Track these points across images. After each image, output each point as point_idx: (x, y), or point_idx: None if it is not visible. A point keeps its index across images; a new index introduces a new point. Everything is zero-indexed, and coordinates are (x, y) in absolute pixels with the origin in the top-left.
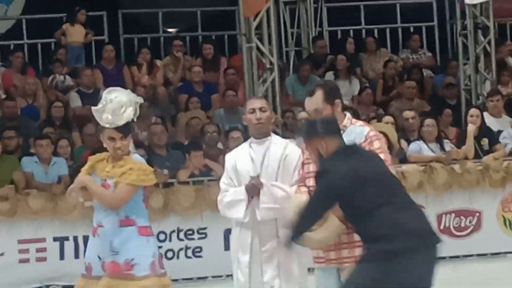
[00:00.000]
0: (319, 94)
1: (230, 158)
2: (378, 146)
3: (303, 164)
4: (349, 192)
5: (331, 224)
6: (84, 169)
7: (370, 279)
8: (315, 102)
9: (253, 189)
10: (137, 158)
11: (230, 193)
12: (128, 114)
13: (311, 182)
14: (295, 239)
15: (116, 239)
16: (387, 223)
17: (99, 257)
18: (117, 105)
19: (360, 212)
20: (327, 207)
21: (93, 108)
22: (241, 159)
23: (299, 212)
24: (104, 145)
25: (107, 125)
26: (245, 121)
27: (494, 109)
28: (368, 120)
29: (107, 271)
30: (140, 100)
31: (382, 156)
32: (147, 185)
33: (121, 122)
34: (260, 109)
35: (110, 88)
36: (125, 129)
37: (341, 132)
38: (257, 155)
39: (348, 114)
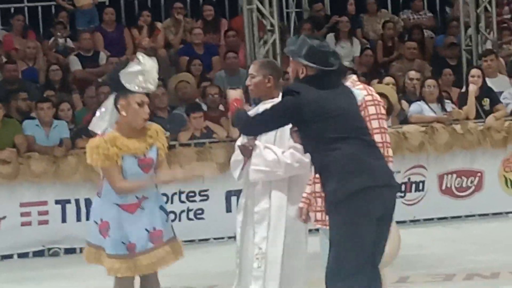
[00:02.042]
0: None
1: None
2: (374, 112)
3: None
4: (310, 120)
5: (393, 236)
6: (110, 159)
7: (343, 227)
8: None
9: (245, 151)
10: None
11: (235, 154)
12: (156, 81)
13: None
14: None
15: (160, 203)
16: (349, 158)
17: (146, 230)
18: (153, 69)
19: (321, 143)
20: (281, 122)
21: (128, 70)
22: None
23: (252, 118)
24: (122, 112)
25: (140, 89)
26: (247, 84)
27: (488, 69)
28: (368, 81)
29: (156, 241)
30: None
31: (374, 123)
32: None
33: (153, 88)
34: (250, 75)
35: (140, 53)
36: (148, 94)
37: None
38: None
39: (353, 76)
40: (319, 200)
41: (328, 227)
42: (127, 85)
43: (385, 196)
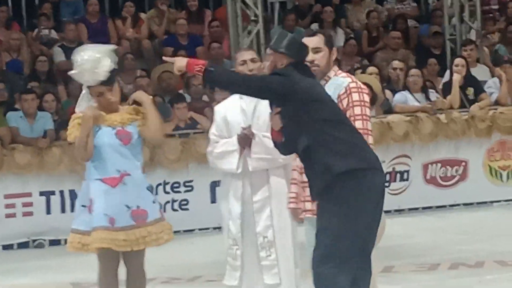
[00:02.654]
0: (320, 36)
1: (220, 109)
2: (357, 99)
3: None
4: (300, 100)
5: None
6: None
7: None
8: (316, 41)
9: (245, 140)
10: None
11: (221, 144)
12: (106, 65)
13: None
14: (213, 74)
15: (147, 185)
16: (342, 140)
17: (127, 206)
18: (92, 63)
19: (311, 124)
20: (271, 94)
21: (70, 73)
22: (231, 110)
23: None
24: (95, 104)
25: (91, 84)
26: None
27: (468, 59)
28: (353, 71)
29: (138, 219)
30: (114, 46)
31: (357, 109)
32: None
33: (102, 77)
34: (252, 60)
35: (80, 48)
36: (109, 81)
37: (324, 82)
38: (248, 106)
39: (335, 66)
40: (307, 190)
41: (311, 216)
42: (82, 83)
43: (377, 180)
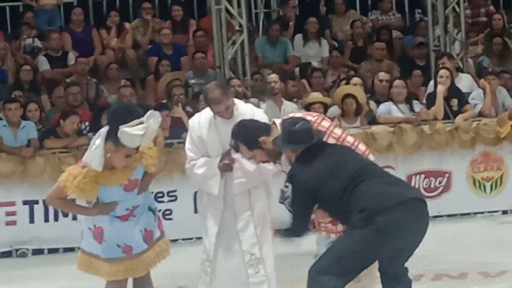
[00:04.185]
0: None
1: (195, 126)
2: (327, 125)
3: None
4: (317, 188)
5: None
6: (87, 193)
7: (359, 243)
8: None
9: (226, 167)
10: None
11: (200, 165)
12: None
13: None
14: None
15: (149, 203)
16: (364, 198)
17: (140, 231)
18: (153, 132)
19: (338, 201)
20: (308, 208)
21: (129, 131)
22: (206, 130)
23: (291, 227)
24: (108, 154)
25: (131, 146)
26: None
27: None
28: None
29: (148, 241)
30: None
31: (337, 131)
32: None
33: (144, 144)
34: (226, 109)
35: (151, 112)
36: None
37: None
38: (225, 128)
39: (277, 121)
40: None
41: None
42: (123, 141)
43: (411, 215)
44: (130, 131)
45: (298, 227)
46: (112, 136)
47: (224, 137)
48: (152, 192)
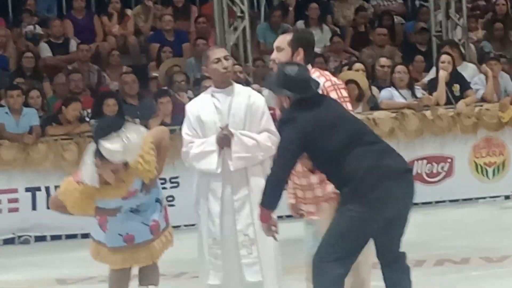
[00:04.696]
0: (287, 36)
1: (192, 108)
2: (335, 96)
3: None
4: (314, 138)
5: None
6: (84, 208)
7: (353, 219)
8: (281, 40)
9: (225, 140)
10: None
11: (197, 144)
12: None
13: None
14: (270, 201)
15: (156, 195)
16: (358, 162)
17: (145, 224)
18: (134, 146)
19: (329, 156)
20: (295, 156)
21: (107, 146)
22: (205, 109)
23: (270, 170)
24: (98, 170)
25: (113, 160)
26: (208, 71)
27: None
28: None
29: (155, 232)
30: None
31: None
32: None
33: (131, 160)
34: (225, 57)
35: (129, 126)
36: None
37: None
38: (223, 104)
39: (309, 66)
40: (307, 192)
41: (315, 218)
42: (105, 155)
43: (401, 188)
44: (109, 146)
45: (277, 176)
46: (98, 152)
47: (223, 115)
48: None
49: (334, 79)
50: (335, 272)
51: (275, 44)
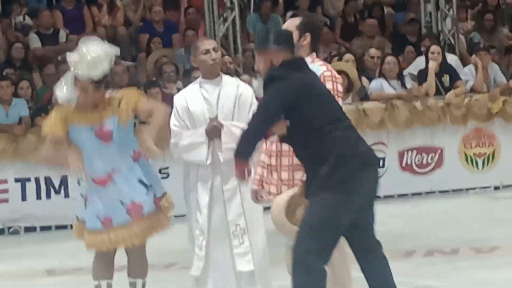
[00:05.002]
0: (295, 19)
1: (180, 99)
2: (330, 87)
3: None
4: (301, 104)
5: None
6: (54, 128)
7: (329, 208)
8: (289, 23)
9: (215, 131)
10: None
11: (186, 136)
12: (104, 68)
13: None
14: (244, 152)
15: (138, 176)
16: (339, 145)
17: (121, 202)
18: (94, 59)
19: (311, 130)
20: (276, 115)
21: (69, 57)
22: (193, 100)
23: (247, 125)
24: (75, 94)
25: (82, 77)
26: (196, 62)
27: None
28: (330, 59)
29: (134, 214)
30: (117, 52)
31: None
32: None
33: (97, 76)
34: (214, 49)
35: (86, 38)
36: (99, 83)
37: None
38: (211, 95)
39: (313, 53)
40: (274, 173)
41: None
42: (74, 70)
43: (372, 177)
44: (69, 58)
45: (253, 130)
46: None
47: (211, 106)
48: None
49: (335, 72)
50: (319, 267)
51: (283, 26)
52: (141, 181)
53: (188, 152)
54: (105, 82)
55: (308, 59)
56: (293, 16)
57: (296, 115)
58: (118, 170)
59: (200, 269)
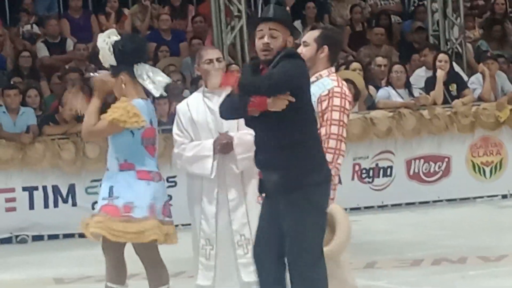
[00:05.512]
0: (316, 31)
1: (183, 109)
2: (338, 104)
3: None
4: (305, 91)
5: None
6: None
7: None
8: (307, 35)
9: (227, 147)
10: (135, 102)
11: (190, 147)
12: (104, 57)
13: None
14: (245, 85)
15: (116, 183)
16: (317, 153)
17: (103, 199)
18: (100, 51)
19: (303, 119)
20: (286, 88)
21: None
22: (197, 110)
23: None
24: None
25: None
26: (200, 71)
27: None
28: (337, 67)
29: (105, 212)
30: (113, 36)
31: (335, 114)
32: (145, 130)
33: (106, 65)
34: (217, 59)
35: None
36: (114, 70)
37: (315, 79)
38: (215, 104)
39: (332, 69)
40: None
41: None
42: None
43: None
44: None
45: (262, 85)
46: None
47: (215, 115)
48: None
49: (345, 89)
50: (326, 273)
51: (303, 38)
52: (110, 188)
53: (192, 164)
54: (117, 70)
55: (325, 72)
56: (313, 28)
57: (297, 99)
58: (108, 168)
59: (210, 279)
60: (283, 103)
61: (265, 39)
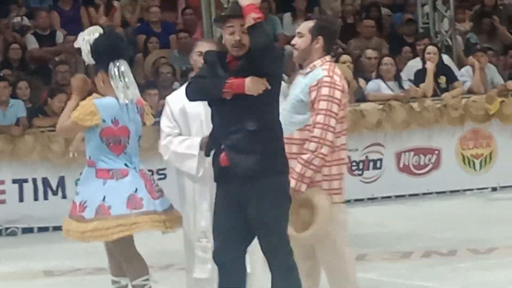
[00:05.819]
0: (311, 22)
1: (175, 100)
2: (326, 93)
3: None
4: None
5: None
6: None
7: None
8: (302, 26)
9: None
10: (98, 100)
11: (178, 142)
12: (84, 56)
13: None
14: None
15: (81, 179)
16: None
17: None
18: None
19: (274, 105)
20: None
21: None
22: (189, 102)
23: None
24: None
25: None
26: (191, 61)
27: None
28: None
29: (69, 211)
30: (95, 33)
31: (322, 104)
32: (104, 128)
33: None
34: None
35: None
36: (94, 68)
37: (309, 70)
38: None
39: (327, 58)
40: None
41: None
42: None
43: None
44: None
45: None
46: None
47: (206, 106)
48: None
49: (337, 79)
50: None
51: (297, 30)
52: (77, 183)
53: (179, 161)
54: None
55: (318, 62)
56: (307, 19)
57: (275, 83)
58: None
59: (207, 271)
60: (261, 88)
61: (236, 36)
